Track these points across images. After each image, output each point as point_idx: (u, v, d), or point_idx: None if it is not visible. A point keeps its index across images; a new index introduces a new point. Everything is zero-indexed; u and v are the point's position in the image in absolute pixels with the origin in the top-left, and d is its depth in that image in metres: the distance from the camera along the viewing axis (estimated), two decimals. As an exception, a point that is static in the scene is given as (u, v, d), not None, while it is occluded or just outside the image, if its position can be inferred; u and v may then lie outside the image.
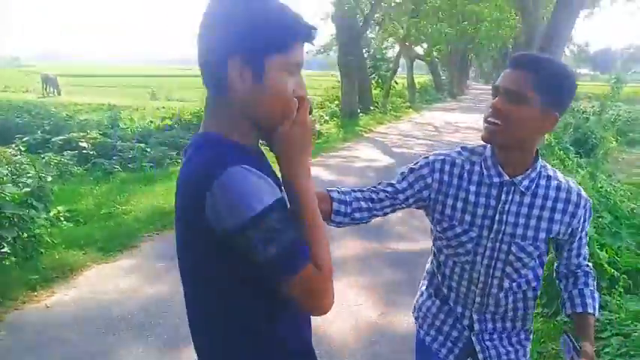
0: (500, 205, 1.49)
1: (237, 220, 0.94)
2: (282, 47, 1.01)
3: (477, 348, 1.64)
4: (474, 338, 1.64)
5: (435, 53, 28.50)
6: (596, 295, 1.65)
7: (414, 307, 1.83)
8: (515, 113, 1.38)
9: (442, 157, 1.55)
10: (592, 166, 8.46)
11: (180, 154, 10.53)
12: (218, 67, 1.01)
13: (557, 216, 1.52)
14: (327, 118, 16.35)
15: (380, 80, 23.67)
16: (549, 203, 1.51)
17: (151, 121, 13.81)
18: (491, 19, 21.58)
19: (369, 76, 21.38)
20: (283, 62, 1.01)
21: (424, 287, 1.79)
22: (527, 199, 1.49)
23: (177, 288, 4.02)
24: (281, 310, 1.08)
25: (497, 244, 1.52)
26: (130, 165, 8.87)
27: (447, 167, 1.54)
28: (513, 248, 1.52)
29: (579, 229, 1.57)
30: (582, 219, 1.56)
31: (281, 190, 1.04)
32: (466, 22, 25.94)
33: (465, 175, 1.52)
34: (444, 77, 39.88)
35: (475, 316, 1.63)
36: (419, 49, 31.56)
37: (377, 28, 26.11)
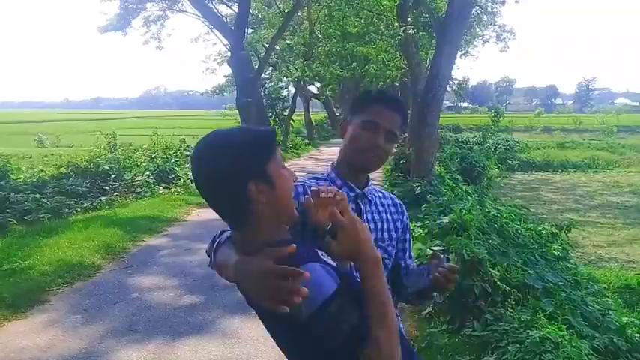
0: (363, 214, 1.69)
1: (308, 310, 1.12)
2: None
3: None
4: None
5: (328, 92, 29.64)
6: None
7: None
8: (391, 149, 1.71)
9: (300, 184, 1.63)
10: (479, 193, 9.32)
11: (79, 202, 10.17)
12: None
13: (395, 216, 1.79)
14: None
15: (277, 119, 24.22)
16: (386, 208, 1.77)
17: (42, 170, 13.15)
18: (378, 61, 22.99)
19: (267, 115, 21.85)
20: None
21: None
22: (373, 207, 1.72)
23: (97, 339, 4.02)
24: None
25: None
26: (26, 217, 8.42)
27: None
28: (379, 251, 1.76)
29: (406, 228, 1.85)
30: (407, 218, 1.85)
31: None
32: (355, 63, 27.37)
33: None
34: (338, 114, 41.42)
35: None
36: (313, 88, 32.71)
37: (271, 68, 26.79)
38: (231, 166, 1.21)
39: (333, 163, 1.77)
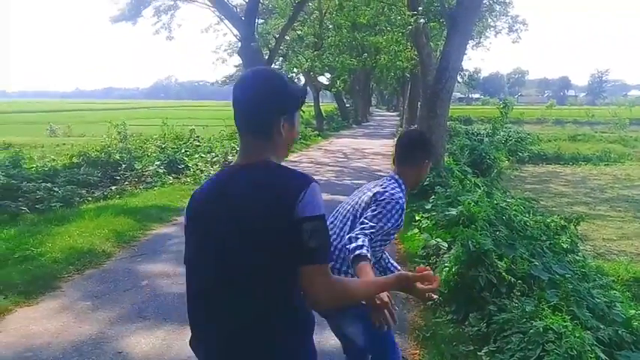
0: None
1: (313, 213, 1.43)
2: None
3: None
4: None
5: (340, 84, 29.52)
6: None
7: None
8: None
9: (403, 199, 2.40)
10: (488, 185, 9.26)
11: (90, 191, 10.29)
12: (267, 125, 1.54)
13: None
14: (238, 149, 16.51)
15: (287, 110, 24.17)
16: None
17: (54, 159, 13.30)
18: (389, 51, 22.85)
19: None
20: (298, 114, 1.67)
21: None
22: None
23: (107, 325, 4.08)
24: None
25: None
26: (37, 206, 8.54)
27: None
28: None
29: None
30: None
31: None
32: (366, 54, 27.24)
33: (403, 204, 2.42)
34: (348, 105, 41.33)
35: None
36: (323, 79, 32.64)
37: (281, 59, 26.74)
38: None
39: (396, 177, 2.51)
